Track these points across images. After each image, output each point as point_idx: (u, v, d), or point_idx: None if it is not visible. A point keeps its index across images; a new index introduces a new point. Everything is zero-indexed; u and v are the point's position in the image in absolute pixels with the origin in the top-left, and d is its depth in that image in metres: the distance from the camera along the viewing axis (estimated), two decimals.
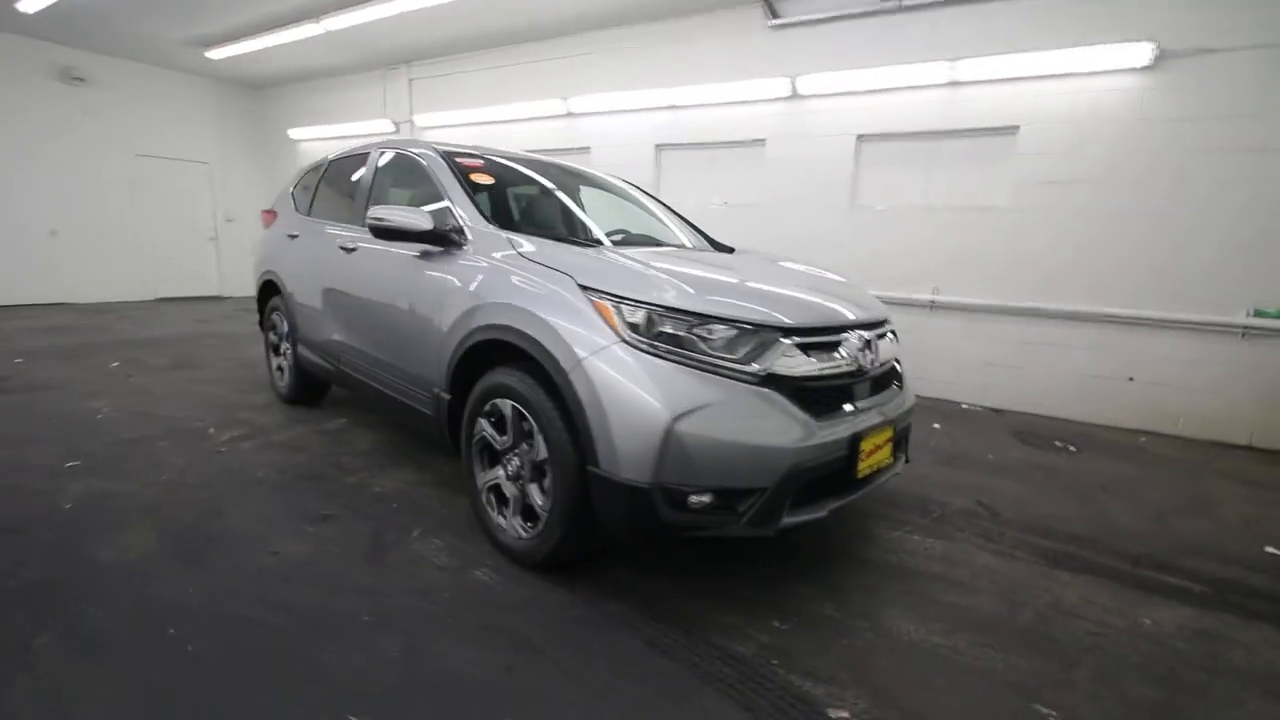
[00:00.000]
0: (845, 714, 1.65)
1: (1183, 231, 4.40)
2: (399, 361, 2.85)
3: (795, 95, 5.71)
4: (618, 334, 1.91)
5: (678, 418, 1.80)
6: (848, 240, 5.64)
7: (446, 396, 2.53)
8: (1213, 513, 3.15)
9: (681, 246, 3.25)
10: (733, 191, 6.28)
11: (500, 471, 2.33)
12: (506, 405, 2.22)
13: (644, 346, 1.88)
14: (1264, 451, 4.24)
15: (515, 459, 2.25)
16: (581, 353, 1.92)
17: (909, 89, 5.21)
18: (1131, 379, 4.70)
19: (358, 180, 3.49)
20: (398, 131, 8.61)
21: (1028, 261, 4.94)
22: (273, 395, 4.36)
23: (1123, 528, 2.93)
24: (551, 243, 2.41)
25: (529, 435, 2.17)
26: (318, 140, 9.65)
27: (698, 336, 1.91)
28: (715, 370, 1.89)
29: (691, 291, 1.99)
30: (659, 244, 3.13)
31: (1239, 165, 4.21)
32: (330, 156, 4.03)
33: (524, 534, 2.24)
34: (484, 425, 2.35)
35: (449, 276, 2.50)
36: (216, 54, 7.86)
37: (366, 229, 3.15)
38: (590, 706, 1.63)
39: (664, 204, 3.85)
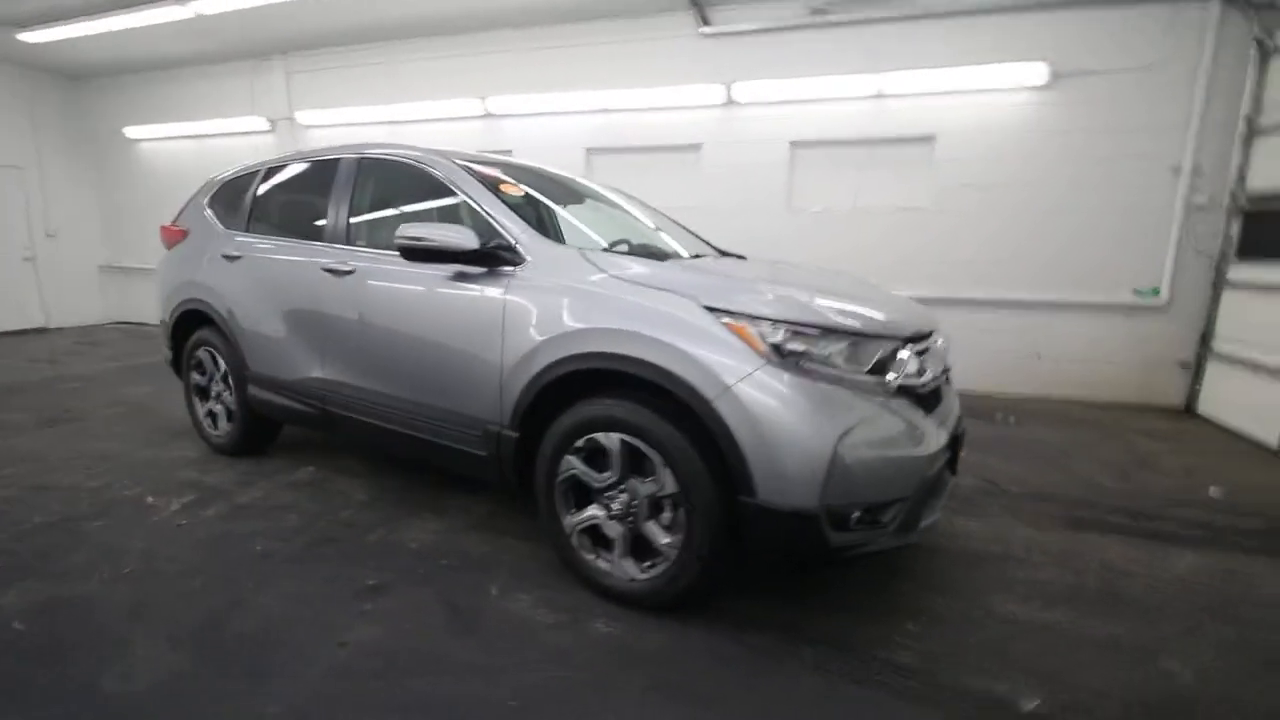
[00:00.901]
0: (1036, 702, 1.71)
1: (1077, 227, 5.11)
2: (432, 399, 2.51)
3: (731, 102, 5.85)
4: (761, 356, 1.82)
5: (840, 437, 1.76)
6: (786, 243, 5.87)
7: (513, 434, 2.27)
8: (1155, 465, 3.70)
9: (698, 256, 3.18)
10: (669, 196, 6.24)
11: (597, 511, 2.13)
12: (613, 439, 2.03)
13: (790, 367, 1.81)
14: (1149, 407, 5.06)
15: (622, 496, 2.07)
16: (728, 379, 1.80)
17: (839, 99, 5.53)
18: (1039, 355, 5.39)
19: (327, 192, 3.02)
20: (273, 130, 7.61)
21: (949, 257, 5.47)
22: (199, 446, 3.65)
23: (1103, 487, 3.34)
24: (654, 262, 2.24)
25: (641, 470, 2.01)
26: (163, 140, 8.26)
27: (836, 352, 1.88)
28: (856, 385, 1.87)
29: (827, 306, 1.96)
30: (666, 255, 3.01)
31: (1111, 170, 4.98)
32: (264, 163, 3.47)
33: (640, 575, 2.07)
34: (573, 463, 2.14)
35: (512, 300, 2.24)
36: (32, 36, 6.41)
37: (356, 248, 2.81)
38: None
39: (656, 211, 3.76)
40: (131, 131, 8.30)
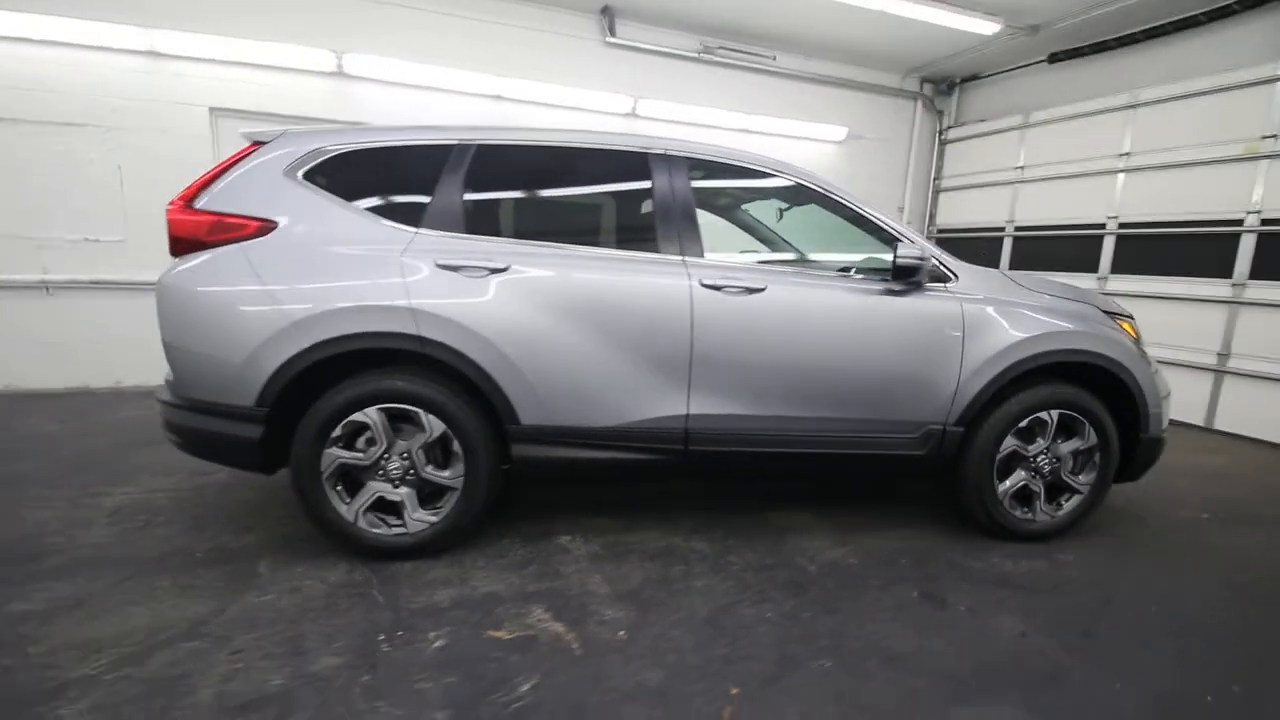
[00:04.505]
0: (1206, 515, 3.22)
1: None
2: (867, 412, 2.58)
3: (633, 114, 6.14)
4: (1134, 339, 2.80)
5: None
6: None
7: (959, 429, 2.64)
8: None
9: None
10: None
11: (1024, 474, 2.74)
12: (1053, 415, 2.68)
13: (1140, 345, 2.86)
14: None
15: (1045, 457, 2.73)
16: (1138, 358, 2.72)
17: (720, 129, 6.47)
18: None
19: (637, 192, 2.51)
20: None
21: None
22: (327, 562, 2.33)
23: None
24: (1057, 280, 2.82)
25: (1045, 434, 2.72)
26: None
27: None
28: None
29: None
30: None
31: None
32: (451, 138, 2.47)
33: (1057, 513, 2.79)
34: (1012, 442, 2.69)
35: (970, 310, 2.59)
36: None
37: (738, 261, 2.59)
38: None
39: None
40: None
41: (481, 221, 2.43)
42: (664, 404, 2.46)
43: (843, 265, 2.81)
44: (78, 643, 1.86)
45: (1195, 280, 5.01)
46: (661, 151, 2.58)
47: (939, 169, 7.53)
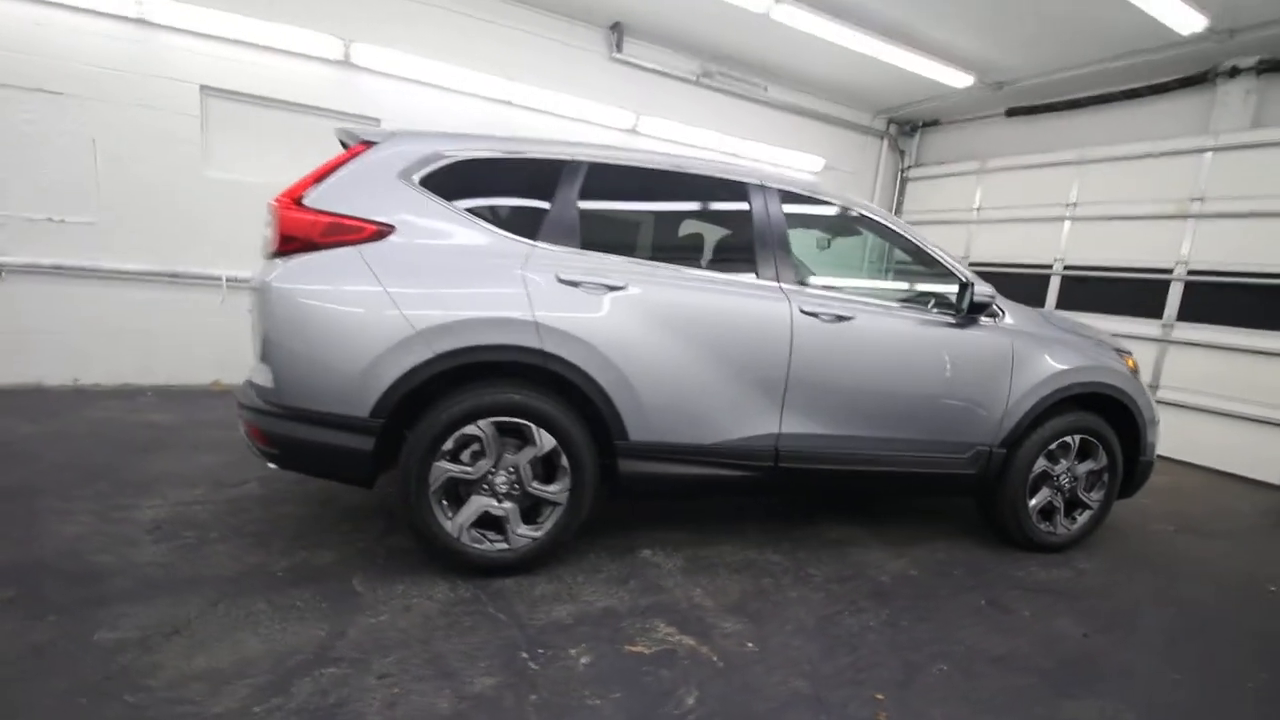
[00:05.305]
0: (1172, 528, 3.71)
1: None
2: (929, 434, 2.81)
3: (634, 130, 6.24)
4: (1135, 375, 3.20)
5: None
6: None
7: (1003, 451, 2.92)
8: None
9: None
10: None
11: (1049, 491, 3.07)
12: (1075, 438, 3.02)
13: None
14: None
15: (1067, 475, 3.08)
16: (1145, 395, 3.12)
17: (712, 149, 6.70)
18: None
19: (738, 223, 2.68)
20: None
21: None
22: (427, 584, 2.27)
23: None
24: (1075, 319, 3.16)
25: (1068, 453, 3.06)
26: None
27: None
28: None
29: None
30: None
31: None
32: (558, 154, 2.48)
33: (1073, 526, 3.13)
34: (1043, 462, 3.01)
35: (1018, 343, 2.89)
36: None
37: (829, 291, 2.75)
38: None
39: None
40: None
41: (595, 238, 2.45)
42: (759, 423, 2.57)
43: (903, 296, 3.05)
44: (198, 674, 1.72)
45: (1130, 319, 5.72)
46: (758, 182, 2.71)
47: (900, 204, 8.12)
